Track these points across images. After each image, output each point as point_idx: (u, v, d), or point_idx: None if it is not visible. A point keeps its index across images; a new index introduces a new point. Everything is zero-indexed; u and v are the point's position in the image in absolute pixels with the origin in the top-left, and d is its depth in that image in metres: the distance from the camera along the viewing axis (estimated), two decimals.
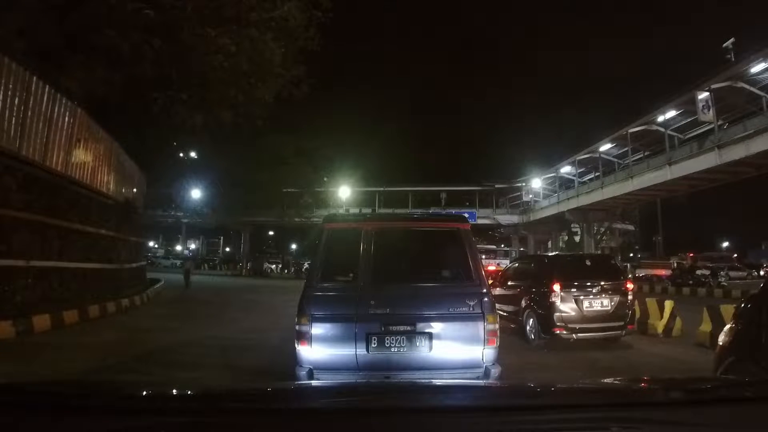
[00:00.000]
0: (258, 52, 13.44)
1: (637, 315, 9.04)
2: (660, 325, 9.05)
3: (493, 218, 45.39)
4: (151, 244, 50.78)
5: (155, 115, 13.45)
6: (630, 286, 8.35)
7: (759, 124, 20.25)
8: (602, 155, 32.07)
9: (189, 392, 1.54)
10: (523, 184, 41.84)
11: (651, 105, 26.31)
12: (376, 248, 4.08)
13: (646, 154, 30.14)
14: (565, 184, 38.90)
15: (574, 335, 7.61)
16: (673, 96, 24.15)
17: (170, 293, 17.66)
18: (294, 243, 58.90)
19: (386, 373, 3.78)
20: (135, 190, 17.10)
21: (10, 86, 8.38)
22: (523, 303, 8.50)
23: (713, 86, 21.42)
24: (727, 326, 3.51)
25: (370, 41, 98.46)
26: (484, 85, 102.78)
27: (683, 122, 26.10)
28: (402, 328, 3.82)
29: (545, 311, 7.83)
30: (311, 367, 3.78)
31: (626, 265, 31.54)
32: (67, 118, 10.49)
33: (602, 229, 39.86)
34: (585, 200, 33.93)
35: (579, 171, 35.97)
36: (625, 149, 29.69)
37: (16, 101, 8.57)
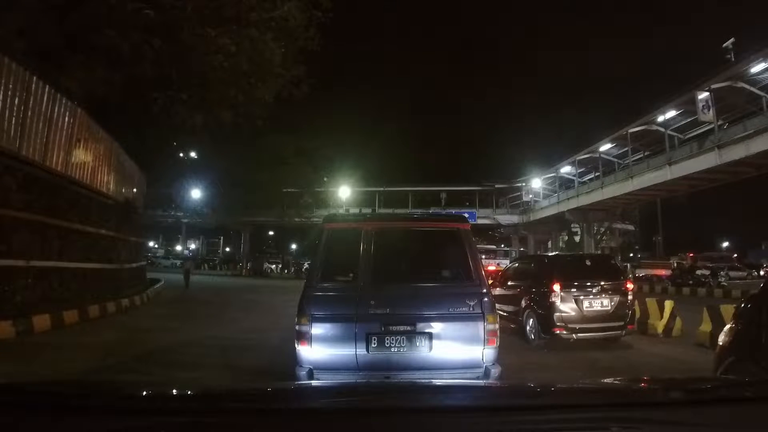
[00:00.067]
0: (258, 52, 13.44)
1: (637, 315, 9.04)
2: (660, 325, 9.05)
3: (493, 218, 45.39)
4: (151, 244, 50.80)
5: (155, 115, 13.45)
6: (630, 286, 8.35)
7: (759, 124, 20.25)
8: (602, 155, 32.08)
9: (189, 392, 1.54)
10: (523, 184, 41.84)
11: (651, 105, 26.32)
12: (376, 248, 4.08)
13: (646, 154, 30.15)
14: (565, 184, 38.90)
15: (574, 335, 7.61)
16: (673, 96, 24.16)
17: (170, 293, 17.66)
18: (294, 243, 58.91)
19: (386, 373, 3.78)
20: (135, 190, 17.11)
21: (10, 86, 8.38)
22: (523, 303, 8.50)
23: (713, 86, 21.43)
24: (727, 326, 3.51)
25: (370, 41, 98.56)
26: (484, 85, 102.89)
27: (683, 122, 26.10)
28: (402, 328, 3.82)
29: (545, 311, 7.83)
30: (311, 367, 3.77)
31: (626, 265, 31.51)
32: (67, 118, 10.49)
33: (602, 229, 39.86)
34: (585, 200, 33.93)
35: (579, 171, 35.97)
36: (625, 149, 29.69)
37: (16, 101, 8.57)
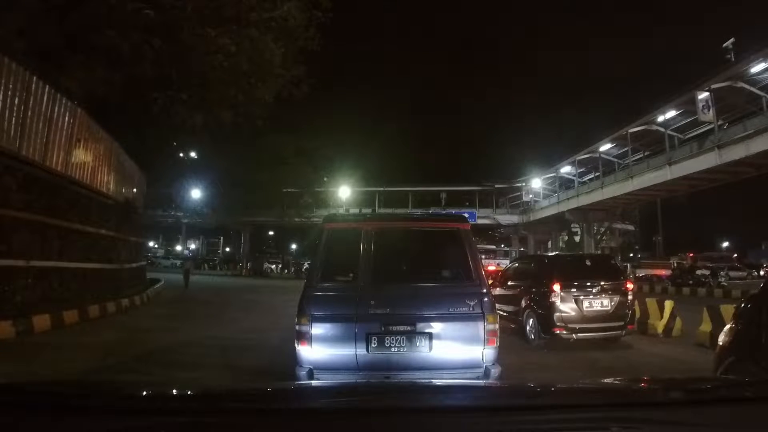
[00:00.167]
0: (258, 52, 13.45)
1: (637, 315, 9.04)
2: (660, 325, 9.05)
3: (493, 218, 45.39)
4: (151, 244, 50.80)
5: (155, 115, 13.46)
6: (630, 286, 8.35)
7: (759, 124, 20.25)
8: (602, 155, 32.07)
9: (189, 392, 1.54)
10: (523, 184, 41.84)
11: (651, 105, 26.32)
12: (376, 248, 4.08)
13: (646, 154, 30.15)
14: (565, 184, 38.90)
15: (574, 335, 7.61)
16: (673, 96, 24.16)
17: (170, 293, 17.65)
18: (294, 243, 58.91)
19: (386, 373, 3.78)
20: (135, 190, 17.10)
21: (10, 86, 8.38)
22: (523, 303, 8.50)
23: (713, 86, 21.42)
24: (727, 326, 3.51)
25: (370, 41, 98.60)
26: (484, 85, 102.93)
27: (683, 122, 26.10)
28: (402, 328, 3.82)
29: (545, 311, 7.83)
30: (311, 367, 3.77)
31: (626, 265, 31.51)
32: (67, 118, 10.49)
33: (602, 229, 39.86)
34: (585, 200, 33.93)
35: (579, 171, 35.97)
36: (625, 149, 29.69)
37: (16, 101, 8.57)
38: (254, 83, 14.41)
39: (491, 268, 19.12)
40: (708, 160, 22.63)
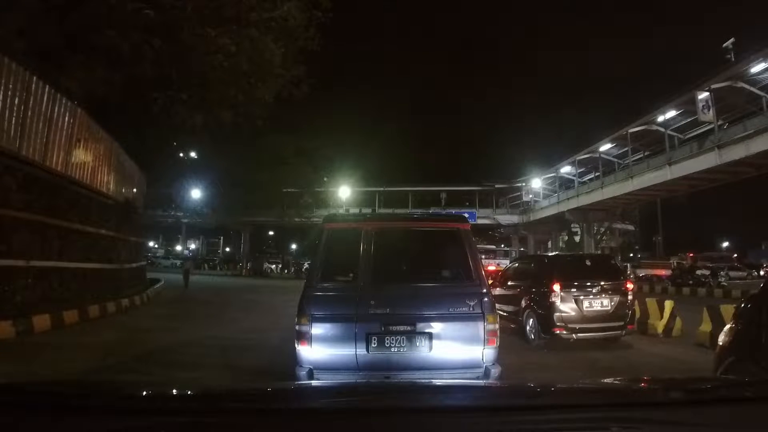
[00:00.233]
0: (258, 52, 13.45)
1: (637, 315, 9.04)
2: (660, 325, 9.04)
3: (493, 218, 45.39)
4: (151, 244, 50.79)
5: (155, 115, 13.45)
6: (630, 286, 8.35)
7: (759, 124, 20.25)
8: (602, 155, 32.07)
9: (189, 392, 1.54)
10: (523, 184, 41.84)
11: (651, 105, 26.32)
12: (376, 248, 4.08)
13: (646, 154, 30.15)
14: (565, 184, 38.89)
15: (574, 335, 7.61)
16: (673, 96, 24.16)
17: (170, 293, 17.65)
18: (294, 243, 58.89)
19: (386, 373, 3.78)
20: (135, 190, 17.10)
21: (10, 86, 8.38)
22: (523, 303, 8.50)
23: (713, 86, 21.42)
24: (727, 326, 3.51)
25: (370, 41, 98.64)
26: (484, 85, 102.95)
27: (683, 122, 26.10)
28: (402, 328, 3.82)
29: (545, 311, 7.83)
30: (311, 367, 3.77)
31: (626, 265, 31.51)
32: (67, 118, 10.49)
33: (602, 229, 39.86)
34: (585, 200, 33.93)
35: (579, 171, 35.97)
36: (625, 149, 29.69)
37: (16, 101, 8.56)
38: (254, 83, 14.42)
39: (491, 268, 19.11)
40: (708, 160, 22.63)
